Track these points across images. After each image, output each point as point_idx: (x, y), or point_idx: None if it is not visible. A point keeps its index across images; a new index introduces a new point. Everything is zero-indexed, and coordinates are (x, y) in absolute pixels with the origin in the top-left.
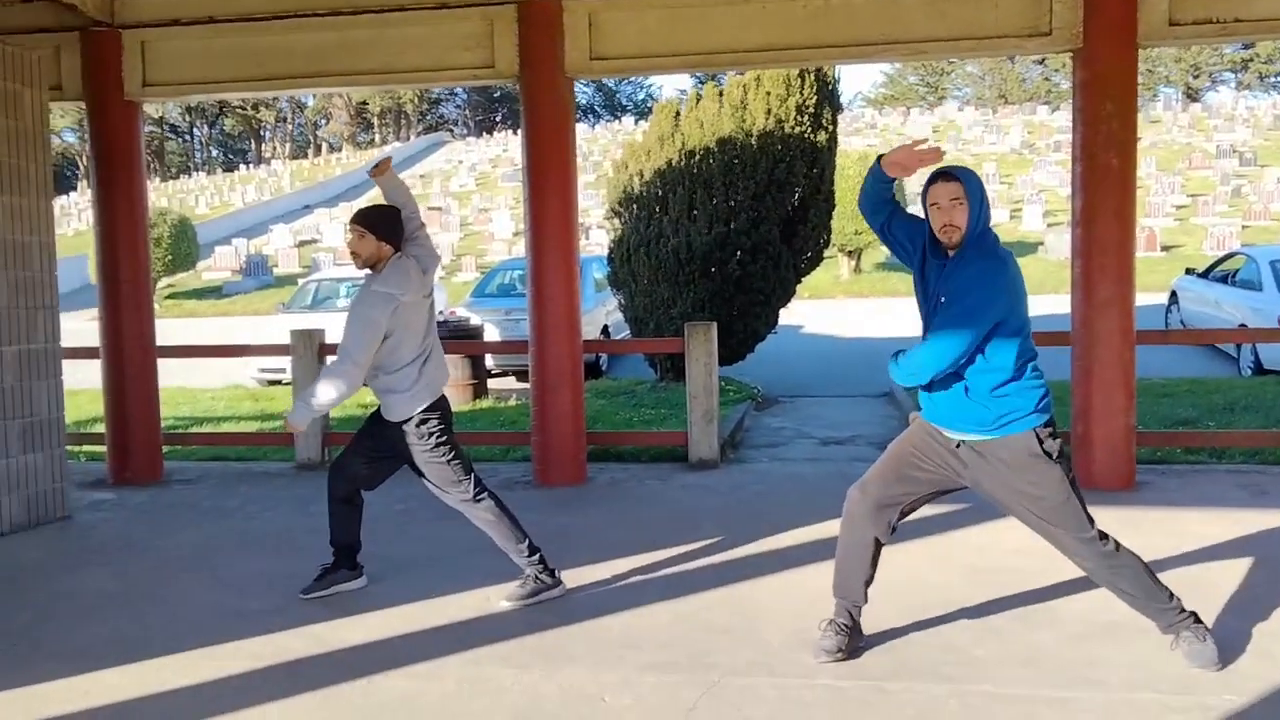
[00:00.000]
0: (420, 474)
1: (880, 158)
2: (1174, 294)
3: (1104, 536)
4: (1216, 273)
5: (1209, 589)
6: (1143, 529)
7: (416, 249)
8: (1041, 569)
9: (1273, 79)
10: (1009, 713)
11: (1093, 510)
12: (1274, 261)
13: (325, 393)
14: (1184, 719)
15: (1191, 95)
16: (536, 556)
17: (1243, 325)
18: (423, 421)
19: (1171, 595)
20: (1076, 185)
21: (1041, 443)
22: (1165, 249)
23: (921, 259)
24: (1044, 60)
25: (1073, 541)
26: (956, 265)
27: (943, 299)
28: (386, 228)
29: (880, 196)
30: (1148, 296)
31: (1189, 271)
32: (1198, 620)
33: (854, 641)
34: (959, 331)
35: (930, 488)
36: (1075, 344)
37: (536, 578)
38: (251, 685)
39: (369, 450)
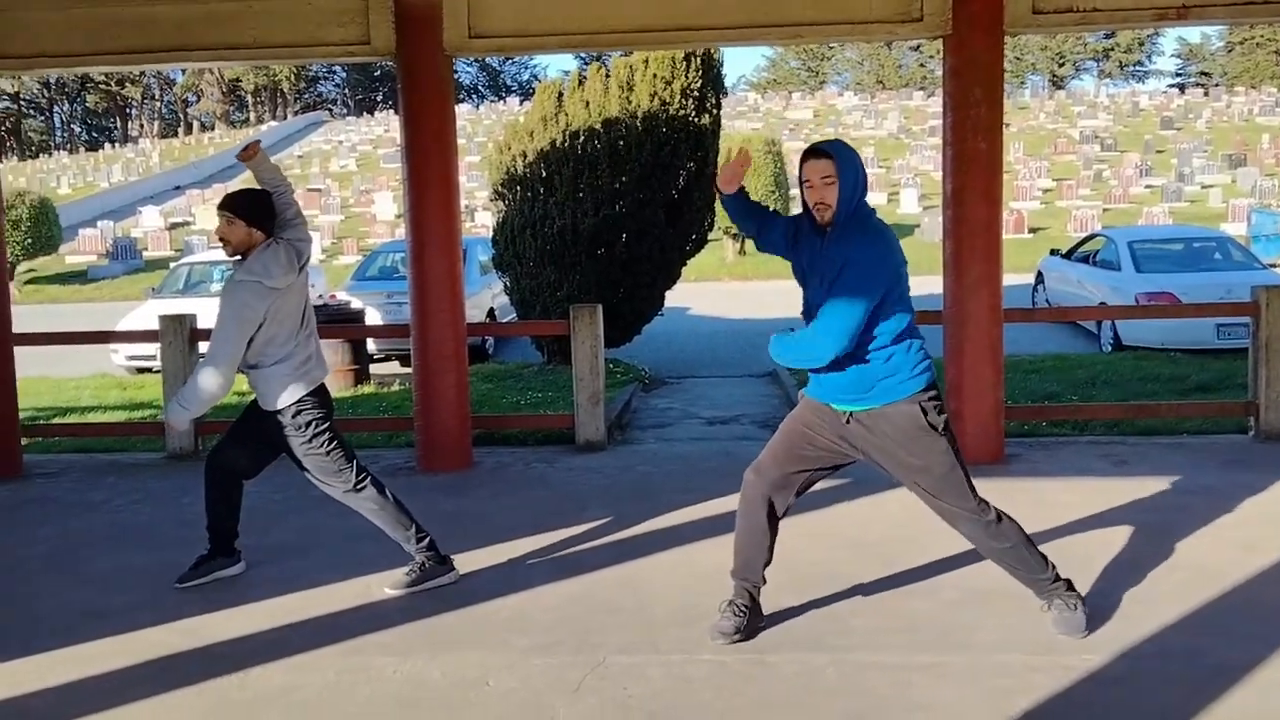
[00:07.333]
0: (300, 464)
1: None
2: (1040, 274)
3: (986, 507)
4: (1079, 253)
5: (1073, 555)
6: (1012, 500)
7: (290, 233)
8: (921, 540)
9: (1132, 68)
10: (883, 678)
11: None
12: (1131, 243)
13: (198, 394)
14: (1045, 678)
15: (1057, 83)
16: (426, 542)
17: (1103, 303)
18: (298, 412)
19: (1048, 564)
20: (947, 169)
21: (926, 414)
22: (1033, 230)
23: (797, 244)
24: (919, 47)
25: (957, 511)
26: (834, 242)
27: (826, 277)
28: (257, 212)
29: (740, 210)
30: (1016, 276)
31: (1054, 252)
32: (1071, 588)
33: (754, 622)
34: (850, 308)
35: (823, 463)
36: (947, 323)
37: (424, 565)
38: (119, 684)
39: (247, 439)
